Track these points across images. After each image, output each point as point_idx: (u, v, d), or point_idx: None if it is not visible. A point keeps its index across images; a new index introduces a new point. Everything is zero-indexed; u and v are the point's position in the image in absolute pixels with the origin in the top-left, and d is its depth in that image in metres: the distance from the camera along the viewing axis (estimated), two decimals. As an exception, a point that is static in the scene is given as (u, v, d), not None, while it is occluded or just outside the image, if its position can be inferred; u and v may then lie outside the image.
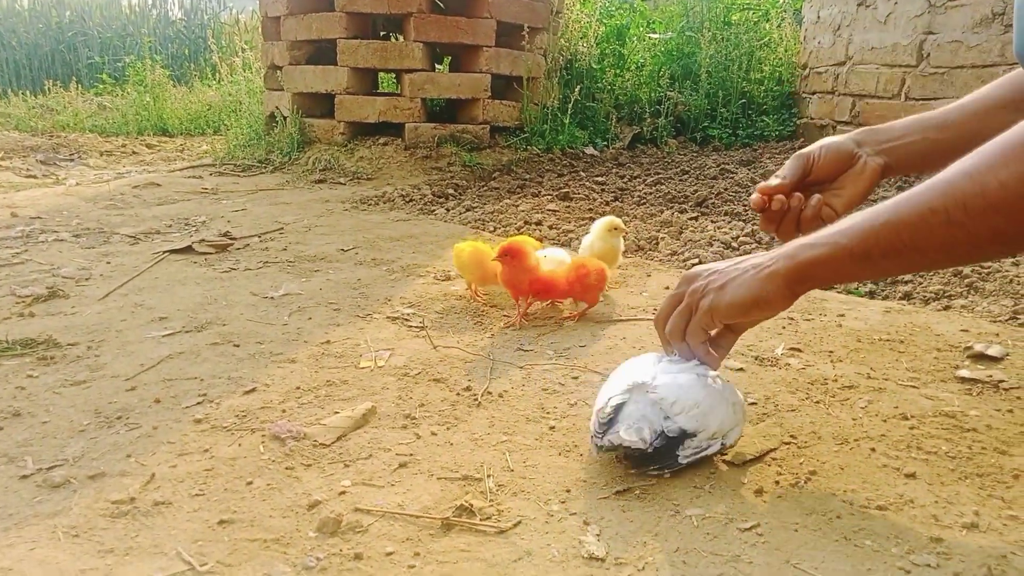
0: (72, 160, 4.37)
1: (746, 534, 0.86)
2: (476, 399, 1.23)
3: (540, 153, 3.99)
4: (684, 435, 0.96)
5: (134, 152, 4.80)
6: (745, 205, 2.79)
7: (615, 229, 1.78)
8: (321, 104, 4.10)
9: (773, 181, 1.05)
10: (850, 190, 1.04)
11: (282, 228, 2.55)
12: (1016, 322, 1.60)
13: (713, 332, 1.01)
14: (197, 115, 5.89)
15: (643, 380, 0.99)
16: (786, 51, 4.85)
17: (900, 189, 2.45)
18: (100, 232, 2.47)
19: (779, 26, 5.06)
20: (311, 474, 0.99)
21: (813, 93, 4.48)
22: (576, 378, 1.32)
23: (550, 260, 1.71)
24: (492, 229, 2.54)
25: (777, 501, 0.93)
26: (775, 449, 1.05)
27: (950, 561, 0.81)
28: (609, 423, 0.97)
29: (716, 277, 0.95)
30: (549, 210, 2.76)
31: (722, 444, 1.00)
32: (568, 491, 0.95)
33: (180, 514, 0.90)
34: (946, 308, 1.72)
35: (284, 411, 1.18)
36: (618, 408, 0.98)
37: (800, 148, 1.09)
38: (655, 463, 0.97)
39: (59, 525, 0.87)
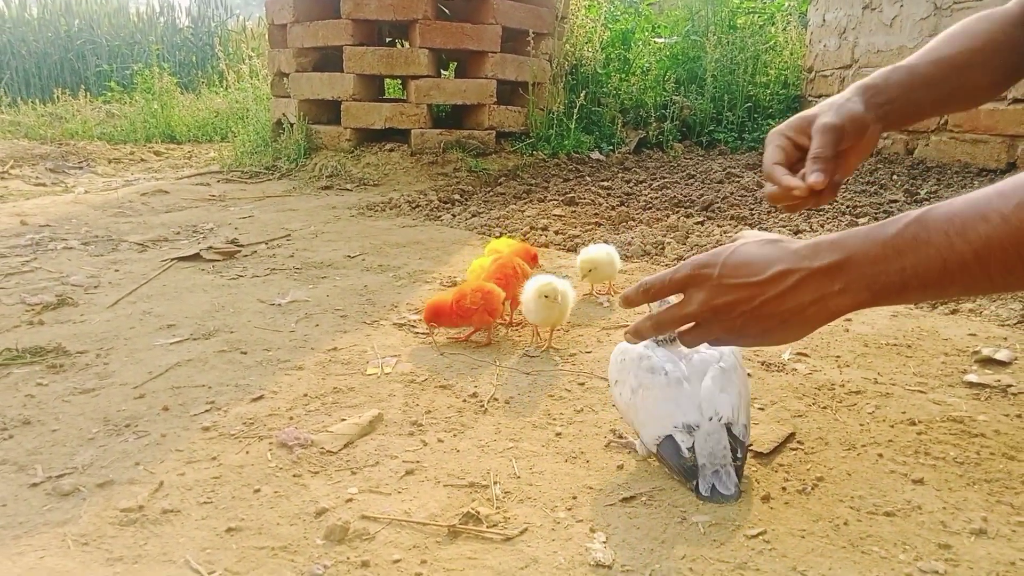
0: (81, 168, 4.40)
1: (753, 541, 0.86)
2: (482, 406, 1.23)
3: (546, 158, 4.00)
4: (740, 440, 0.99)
5: (142, 159, 4.83)
6: (751, 209, 2.78)
7: (545, 297, 1.44)
8: (327, 111, 4.12)
9: (814, 177, 0.89)
10: (854, 160, 0.98)
11: (289, 235, 2.57)
12: (1024, 326, 1.59)
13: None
14: (204, 122, 5.92)
15: (697, 418, 0.97)
16: (792, 54, 4.85)
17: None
18: (109, 240, 2.48)
19: (784, 29, 5.06)
20: (318, 481, 1.00)
21: (819, 96, 4.47)
22: (582, 384, 1.32)
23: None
24: (498, 235, 2.54)
25: (784, 507, 0.93)
26: (789, 440, 1.05)
27: (958, 568, 0.81)
28: (695, 468, 0.96)
29: (748, 296, 0.72)
30: (555, 215, 2.77)
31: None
32: (575, 498, 0.95)
33: (188, 522, 0.90)
34: (953, 312, 1.71)
35: (291, 418, 1.18)
36: (693, 449, 0.97)
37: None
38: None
39: (68, 533, 0.88)
